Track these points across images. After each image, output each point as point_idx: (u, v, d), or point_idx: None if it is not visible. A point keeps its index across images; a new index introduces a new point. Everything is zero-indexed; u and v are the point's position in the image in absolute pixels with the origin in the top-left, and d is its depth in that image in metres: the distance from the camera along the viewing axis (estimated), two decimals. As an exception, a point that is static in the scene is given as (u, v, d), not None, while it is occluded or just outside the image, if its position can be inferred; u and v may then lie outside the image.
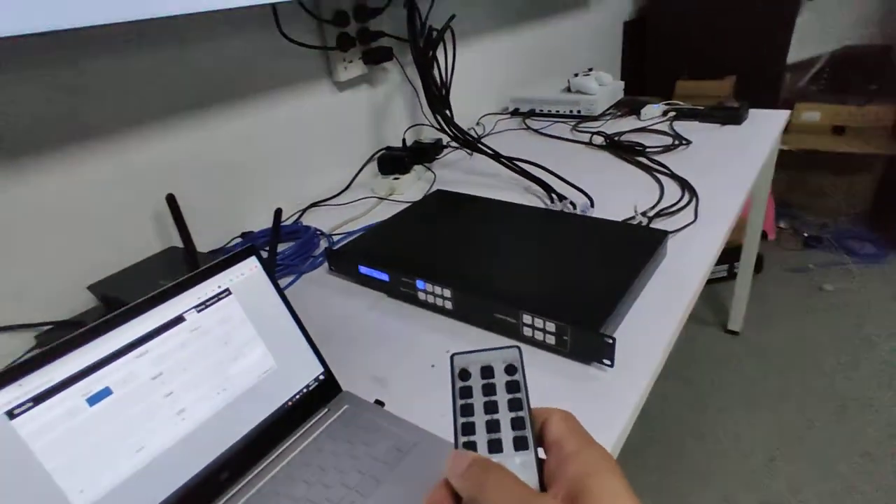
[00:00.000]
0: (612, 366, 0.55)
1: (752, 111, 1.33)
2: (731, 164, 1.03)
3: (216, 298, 0.50)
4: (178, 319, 0.47)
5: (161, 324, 0.46)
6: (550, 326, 0.58)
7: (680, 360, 1.61)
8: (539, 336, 0.59)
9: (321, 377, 0.56)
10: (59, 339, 0.41)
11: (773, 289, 1.85)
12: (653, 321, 0.62)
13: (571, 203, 0.90)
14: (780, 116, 1.28)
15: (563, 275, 0.65)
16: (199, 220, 0.88)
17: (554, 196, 0.93)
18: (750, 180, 0.95)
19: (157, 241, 0.86)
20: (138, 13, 0.60)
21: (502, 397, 0.31)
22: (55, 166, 0.72)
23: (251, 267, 0.53)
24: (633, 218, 0.83)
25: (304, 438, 0.51)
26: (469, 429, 0.30)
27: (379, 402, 0.55)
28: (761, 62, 2.15)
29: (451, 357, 0.33)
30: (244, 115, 0.94)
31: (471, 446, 0.29)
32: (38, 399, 0.39)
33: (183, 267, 0.81)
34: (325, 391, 0.55)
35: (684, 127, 1.28)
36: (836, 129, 2.14)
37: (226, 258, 0.52)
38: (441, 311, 0.68)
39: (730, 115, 1.26)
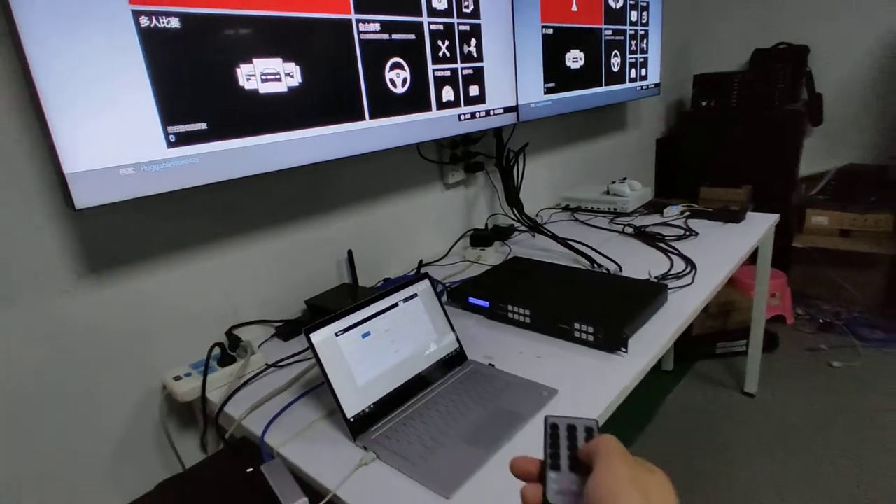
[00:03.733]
0: (626, 352, 0.96)
1: (751, 214, 1.75)
2: (723, 249, 1.44)
3: (411, 297, 0.95)
4: (395, 305, 0.93)
5: (390, 305, 0.92)
6: (591, 329, 0.99)
7: (702, 414, 1.91)
8: (583, 336, 1.00)
9: (457, 350, 0.98)
10: (316, 318, 0.86)
11: (787, 364, 2.14)
12: (654, 335, 1.02)
13: (606, 269, 1.33)
14: (770, 219, 1.69)
15: (599, 303, 1.07)
16: (359, 268, 1.36)
17: (595, 264, 1.37)
18: (733, 261, 1.35)
19: (335, 278, 1.33)
20: (360, 149, 1.12)
21: (581, 443, 0.39)
22: (287, 230, 1.22)
23: (426, 284, 0.99)
24: (648, 278, 1.25)
25: (450, 380, 0.93)
26: (556, 456, 0.39)
27: (491, 364, 0.97)
28: (774, 175, 2.59)
29: (546, 417, 0.42)
30: (391, 204, 1.44)
31: (556, 467, 0.38)
32: (346, 330, 0.84)
33: (350, 295, 1.27)
34: (459, 358, 0.98)
35: (696, 223, 1.70)
36: (843, 231, 2.50)
37: (414, 278, 0.97)
38: (522, 325, 1.10)
39: (731, 216, 1.68)
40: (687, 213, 1.78)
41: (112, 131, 0.77)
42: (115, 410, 0.97)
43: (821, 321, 2.40)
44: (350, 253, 1.30)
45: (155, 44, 0.80)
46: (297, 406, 0.90)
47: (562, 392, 0.87)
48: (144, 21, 0.78)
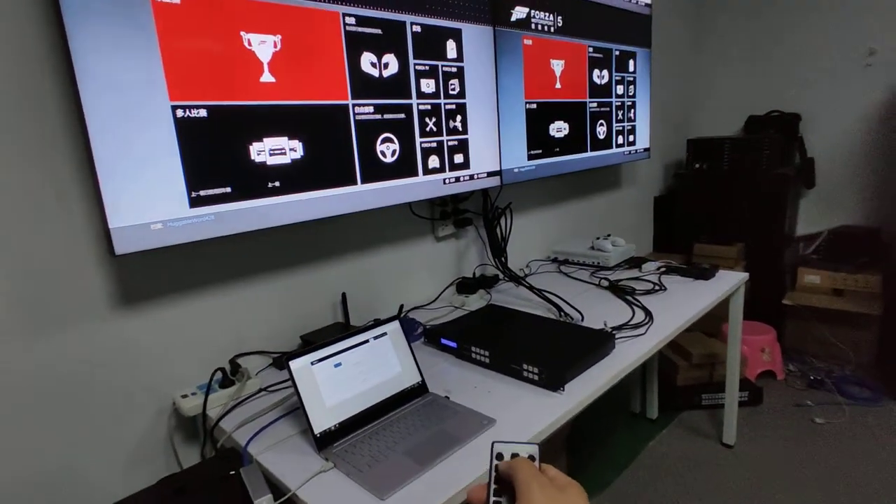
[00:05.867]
0: (563, 392, 1.11)
1: (724, 272, 1.87)
2: (685, 304, 1.58)
3: (381, 336, 1.13)
4: (366, 341, 1.11)
5: (360, 341, 1.10)
6: (536, 370, 1.14)
7: (678, 462, 1.98)
8: (530, 375, 1.16)
9: (419, 383, 1.15)
10: (301, 350, 1.05)
11: (771, 418, 2.19)
12: (593, 378, 1.17)
13: (570, 316, 1.48)
14: (738, 277, 1.81)
15: (550, 348, 1.23)
16: (352, 308, 1.55)
17: (561, 313, 1.52)
18: (688, 316, 1.49)
19: (330, 317, 1.52)
20: (352, 208, 1.33)
21: None
22: (289, 274, 1.43)
23: (396, 325, 1.16)
24: (603, 328, 1.39)
25: (409, 407, 1.09)
26: (499, 493, 0.42)
27: (447, 396, 1.13)
28: (766, 234, 2.70)
29: (492, 443, 0.45)
30: (385, 254, 1.64)
31: (498, 493, 0.42)
32: (320, 360, 1.03)
33: (340, 332, 1.45)
34: (420, 390, 1.14)
35: (669, 279, 1.84)
36: (836, 291, 2.57)
37: (386, 319, 1.15)
38: (483, 364, 1.26)
39: (700, 273, 1.82)
40: (662, 270, 1.92)
41: (147, 195, 1.00)
42: (134, 419, 1.16)
43: (811, 378, 2.44)
44: (344, 295, 1.50)
45: (186, 129, 1.03)
46: (279, 423, 1.08)
47: (499, 422, 1.02)
48: (180, 113, 1.02)
